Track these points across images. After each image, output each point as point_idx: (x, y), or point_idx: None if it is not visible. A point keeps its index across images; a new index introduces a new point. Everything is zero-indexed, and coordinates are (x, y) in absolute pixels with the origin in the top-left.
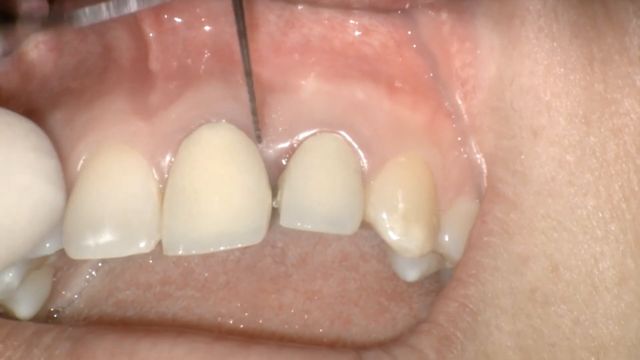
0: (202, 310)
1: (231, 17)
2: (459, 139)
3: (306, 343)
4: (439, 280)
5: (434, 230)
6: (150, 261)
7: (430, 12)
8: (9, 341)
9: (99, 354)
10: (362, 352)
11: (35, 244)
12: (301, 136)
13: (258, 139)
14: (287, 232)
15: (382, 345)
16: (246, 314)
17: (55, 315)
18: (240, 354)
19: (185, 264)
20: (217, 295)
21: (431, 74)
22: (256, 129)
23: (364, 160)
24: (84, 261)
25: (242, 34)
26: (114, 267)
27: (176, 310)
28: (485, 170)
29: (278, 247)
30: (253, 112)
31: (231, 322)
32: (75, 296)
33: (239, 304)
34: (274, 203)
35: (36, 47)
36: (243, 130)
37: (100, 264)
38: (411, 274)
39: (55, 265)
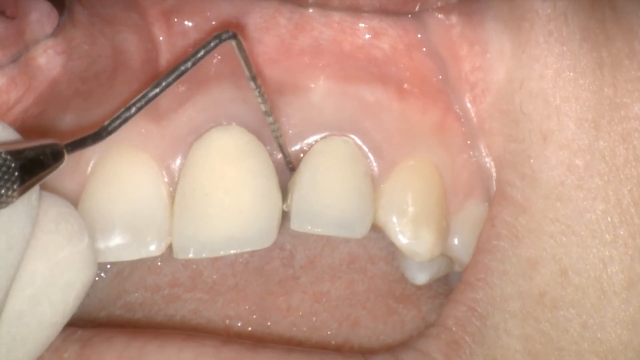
0: (211, 313)
1: (242, 20)
2: (468, 142)
3: (314, 346)
4: (448, 283)
5: (444, 233)
6: (159, 263)
7: (440, 15)
8: None
9: (107, 356)
10: (369, 356)
11: None
12: (311, 139)
13: (290, 167)
14: (295, 235)
15: (390, 348)
16: (254, 317)
17: None
18: (248, 357)
19: (194, 266)
20: (226, 298)
21: (440, 77)
22: (286, 158)
23: (374, 164)
24: None
25: (254, 78)
26: (122, 269)
27: (184, 313)
28: (494, 174)
29: (286, 250)
30: (280, 147)
31: (239, 324)
32: (84, 298)
33: (247, 307)
34: (284, 206)
35: (45, 52)
36: (253, 132)
37: (108, 266)
38: (420, 278)
39: None
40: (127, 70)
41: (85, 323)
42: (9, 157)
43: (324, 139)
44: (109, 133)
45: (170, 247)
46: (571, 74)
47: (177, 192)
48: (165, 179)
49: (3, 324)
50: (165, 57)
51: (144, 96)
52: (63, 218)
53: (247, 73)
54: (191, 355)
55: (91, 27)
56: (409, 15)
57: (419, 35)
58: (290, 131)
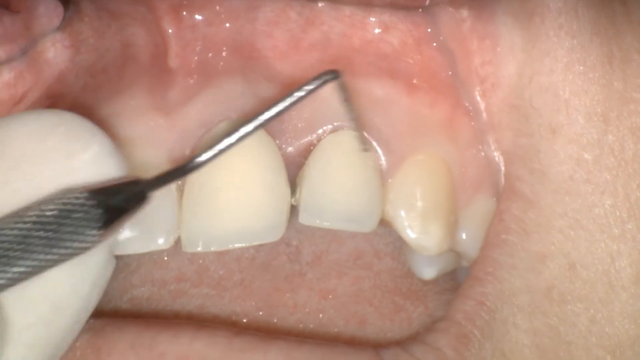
0: (217, 309)
1: (251, 14)
2: (477, 136)
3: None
4: (454, 278)
5: (452, 228)
6: (166, 258)
7: (450, 9)
8: None
9: (118, 346)
10: (380, 350)
11: None
12: (320, 133)
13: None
14: (301, 230)
15: (399, 343)
16: (261, 313)
17: None
18: (260, 349)
19: (200, 261)
20: (232, 294)
21: (450, 72)
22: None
23: (383, 158)
24: None
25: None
26: (129, 263)
27: (191, 308)
28: (503, 168)
29: (293, 245)
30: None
31: (245, 321)
32: None
33: (253, 303)
34: (292, 200)
35: (53, 45)
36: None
37: (115, 260)
38: (428, 272)
39: None
40: (135, 64)
41: (92, 316)
42: (91, 199)
43: (333, 134)
44: (196, 167)
45: (176, 242)
46: (581, 67)
47: (186, 186)
48: None
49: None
50: (174, 50)
51: (235, 130)
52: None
53: (348, 115)
54: (203, 345)
55: (98, 21)
56: (420, 10)
57: (429, 30)
58: (299, 125)
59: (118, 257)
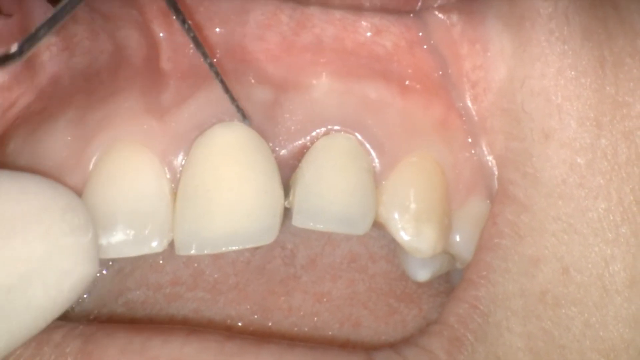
0: (212, 313)
1: (242, 17)
2: (470, 140)
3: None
4: (449, 281)
5: (446, 230)
6: (161, 261)
7: (440, 14)
8: None
9: (109, 351)
10: (372, 352)
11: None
12: (313, 136)
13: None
14: (296, 233)
15: (392, 346)
16: (256, 317)
17: (64, 315)
18: (252, 352)
19: (196, 264)
20: (227, 297)
21: (442, 75)
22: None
23: (376, 160)
24: None
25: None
26: (124, 267)
27: (186, 312)
28: (496, 172)
29: (287, 249)
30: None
31: (240, 324)
32: (85, 296)
33: (248, 306)
34: (286, 203)
35: (48, 48)
36: (255, 129)
37: (110, 263)
38: (422, 275)
39: None
40: (129, 67)
41: (86, 320)
42: None
43: (326, 136)
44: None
45: (171, 245)
46: (573, 72)
47: (179, 189)
48: (168, 176)
49: None
50: (166, 54)
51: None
52: (70, 208)
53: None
54: (194, 350)
55: (92, 23)
56: (411, 15)
57: (421, 34)
58: (293, 128)
59: (113, 261)
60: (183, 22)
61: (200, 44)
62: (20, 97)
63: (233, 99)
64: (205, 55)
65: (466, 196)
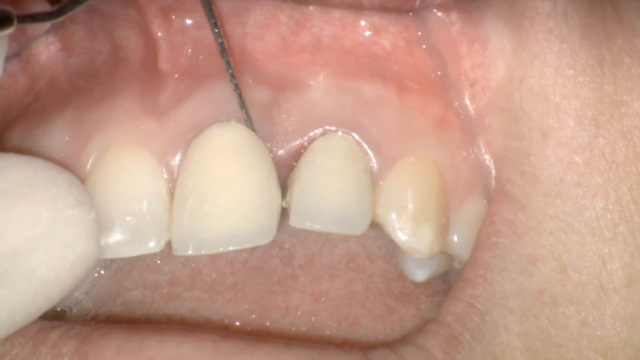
0: (210, 312)
1: (242, 17)
2: (468, 139)
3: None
4: (447, 280)
5: (443, 230)
6: (159, 261)
7: (439, 13)
8: (15, 339)
9: (106, 351)
10: (369, 351)
11: (70, 291)
12: (311, 136)
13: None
14: (294, 233)
15: (389, 345)
16: (253, 316)
17: (62, 315)
18: (248, 352)
19: (193, 264)
20: (225, 297)
21: (440, 74)
22: (249, 122)
23: (374, 160)
24: None
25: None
26: (122, 267)
27: (183, 312)
28: (493, 171)
29: (285, 249)
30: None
31: (238, 324)
32: (83, 295)
33: (246, 306)
34: (283, 203)
35: (46, 48)
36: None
37: (108, 263)
38: (420, 275)
39: None
40: (126, 67)
41: (84, 320)
42: None
43: (324, 136)
44: (63, 14)
45: (169, 245)
46: (571, 71)
47: (177, 189)
48: (165, 176)
49: None
50: (164, 54)
51: None
52: (76, 186)
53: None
54: (191, 349)
55: (90, 23)
56: (410, 13)
57: (420, 33)
58: (290, 128)
59: (110, 261)
60: (215, 25)
61: (225, 49)
62: (18, 97)
63: (243, 105)
64: (227, 59)
65: (464, 196)
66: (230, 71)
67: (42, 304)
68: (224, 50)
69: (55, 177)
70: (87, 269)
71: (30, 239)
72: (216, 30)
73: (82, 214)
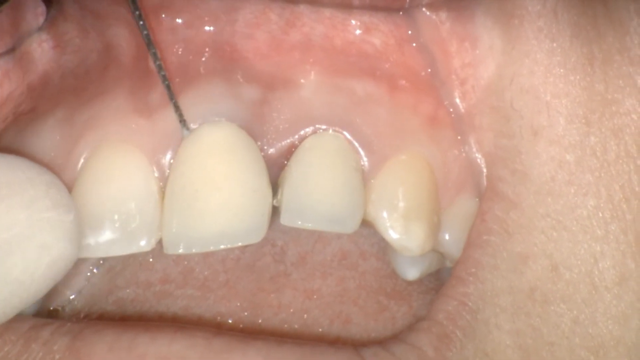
0: (202, 310)
1: (232, 16)
2: (459, 137)
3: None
4: (439, 278)
5: (435, 228)
6: (151, 259)
7: (429, 12)
8: (7, 335)
9: (97, 348)
10: (360, 348)
11: (46, 291)
12: (302, 134)
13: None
14: (286, 231)
15: (380, 342)
16: (245, 314)
17: (55, 313)
18: (239, 349)
19: (185, 262)
20: (217, 295)
21: (431, 73)
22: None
23: (365, 159)
24: (84, 259)
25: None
26: (114, 265)
27: (176, 309)
28: (484, 169)
29: (278, 246)
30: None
31: (230, 321)
32: (75, 294)
33: (238, 303)
34: (274, 201)
35: (39, 45)
36: (243, 128)
37: (101, 262)
38: (411, 273)
39: None
40: (118, 66)
41: (76, 318)
42: None
43: (315, 134)
44: None
45: (161, 243)
46: (561, 70)
47: (167, 188)
48: (156, 174)
49: None
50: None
51: None
52: (54, 185)
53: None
54: (182, 346)
55: (83, 21)
56: (400, 12)
57: (410, 32)
58: (281, 127)
59: (103, 260)
60: (139, 17)
61: (151, 41)
62: (10, 95)
63: (177, 107)
64: (154, 55)
65: (455, 194)
66: (162, 72)
67: (16, 304)
68: (149, 43)
69: (33, 178)
70: (65, 270)
71: (6, 240)
72: (141, 23)
73: (60, 216)
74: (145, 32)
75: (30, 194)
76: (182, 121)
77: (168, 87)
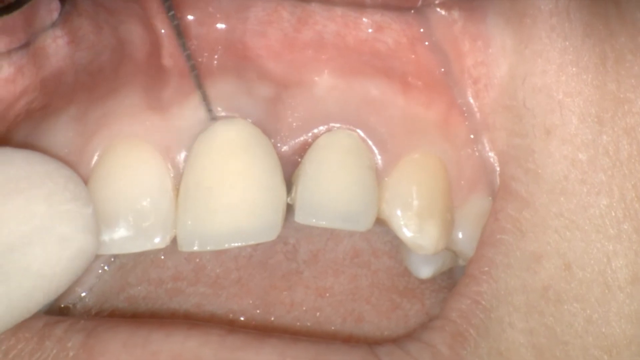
0: (214, 307)
1: (243, 14)
2: (472, 136)
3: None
4: (451, 277)
5: (448, 227)
6: (162, 257)
7: (442, 10)
8: (21, 333)
9: (111, 345)
10: (375, 346)
11: (68, 286)
12: (315, 132)
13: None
14: (299, 229)
15: (395, 341)
16: (258, 311)
17: (66, 311)
18: (254, 346)
19: (197, 259)
20: (229, 292)
21: (444, 72)
22: (207, 104)
23: (378, 157)
24: (97, 256)
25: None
26: (126, 263)
27: (188, 307)
28: (497, 168)
29: (290, 244)
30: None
31: (243, 319)
32: (87, 292)
33: (250, 301)
34: (288, 199)
35: (54, 41)
36: (257, 125)
37: (112, 259)
38: (425, 271)
39: None
40: (131, 63)
41: (88, 315)
42: None
43: (329, 132)
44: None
45: (173, 241)
46: (574, 69)
47: (182, 185)
48: (170, 172)
49: None
50: (168, 50)
51: None
52: (73, 180)
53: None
54: (197, 343)
55: (96, 17)
56: (412, 11)
57: (422, 30)
58: (295, 124)
59: (114, 257)
60: (169, 8)
61: (182, 38)
62: (24, 91)
63: (205, 97)
64: (185, 50)
65: (468, 193)
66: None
67: (39, 299)
68: (179, 33)
69: (51, 171)
70: (86, 263)
71: (26, 233)
72: (171, 13)
73: (79, 208)
74: (175, 22)
75: (49, 187)
76: (209, 110)
77: (196, 77)
